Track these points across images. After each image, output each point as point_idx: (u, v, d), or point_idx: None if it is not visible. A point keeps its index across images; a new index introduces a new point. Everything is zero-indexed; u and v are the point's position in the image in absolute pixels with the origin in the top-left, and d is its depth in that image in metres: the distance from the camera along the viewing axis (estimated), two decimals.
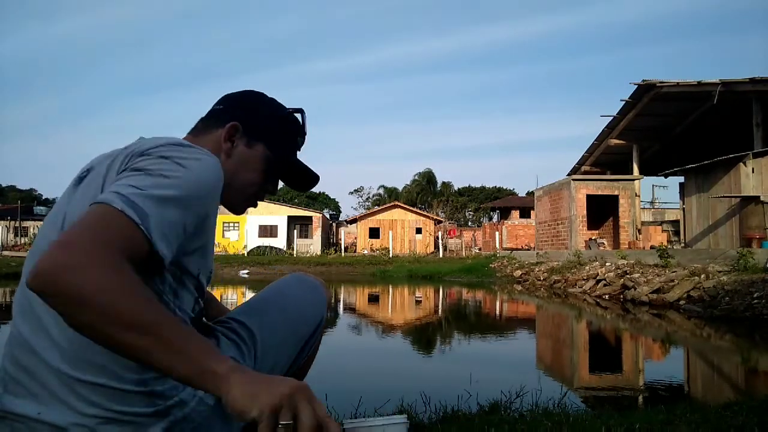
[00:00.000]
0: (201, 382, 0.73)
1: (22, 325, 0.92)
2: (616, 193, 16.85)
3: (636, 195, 17.02)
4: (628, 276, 9.68)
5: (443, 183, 51.85)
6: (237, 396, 0.71)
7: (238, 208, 1.17)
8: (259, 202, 1.21)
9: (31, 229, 32.69)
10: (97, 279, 0.70)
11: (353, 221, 37.49)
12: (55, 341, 0.88)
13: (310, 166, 1.26)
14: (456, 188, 55.20)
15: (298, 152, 1.23)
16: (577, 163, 21.04)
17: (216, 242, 3.06)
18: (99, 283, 0.70)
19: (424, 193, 49.70)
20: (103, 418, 0.88)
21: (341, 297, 11.25)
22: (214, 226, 1.01)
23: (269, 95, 1.20)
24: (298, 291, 1.27)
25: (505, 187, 60.56)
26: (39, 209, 38.71)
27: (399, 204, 37.04)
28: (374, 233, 34.44)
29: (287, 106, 1.21)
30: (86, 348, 0.87)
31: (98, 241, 0.73)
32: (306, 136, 1.23)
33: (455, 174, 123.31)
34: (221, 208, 1.11)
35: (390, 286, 14.46)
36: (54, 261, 0.70)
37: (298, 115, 1.21)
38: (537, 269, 14.46)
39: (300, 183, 1.27)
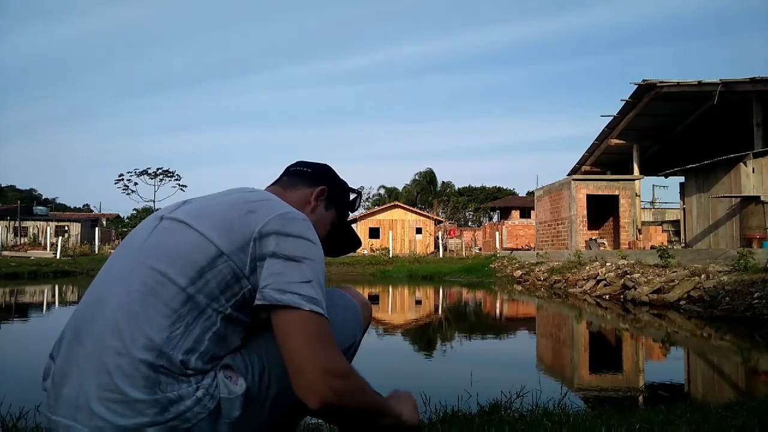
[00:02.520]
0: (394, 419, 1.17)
1: (78, 332, 1.02)
2: (616, 193, 16.84)
3: (636, 195, 17.00)
4: (628, 276, 9.68)
5: (443, 183, 51.83)
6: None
7: None
8: None
9: (31, 229, 32.44)
10: (356, 398, 1.07)
11: (353, 221, 37.42)
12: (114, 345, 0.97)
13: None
14: (456, 188, 55.19)
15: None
16: (577, 163, 21.03)
17: None
18: (358, 400, 1.07)
19: (425, 193, 49.69)
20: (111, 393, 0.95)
21: None
22: None
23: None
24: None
25: (505, 187, 60.54)
26: (39, 209, 38.43)
27: (399, 204, 37.01)
28: (374, 233, 34.43)
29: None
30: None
31: (334, 355, 1.02)
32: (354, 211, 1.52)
33: (455, 174, 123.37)
34: None
35: (390, 286, 14.45)
36: (332, 391, 0.99)
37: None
38: (537, 269, 14.44)
39: (345, 248, 1.51)
